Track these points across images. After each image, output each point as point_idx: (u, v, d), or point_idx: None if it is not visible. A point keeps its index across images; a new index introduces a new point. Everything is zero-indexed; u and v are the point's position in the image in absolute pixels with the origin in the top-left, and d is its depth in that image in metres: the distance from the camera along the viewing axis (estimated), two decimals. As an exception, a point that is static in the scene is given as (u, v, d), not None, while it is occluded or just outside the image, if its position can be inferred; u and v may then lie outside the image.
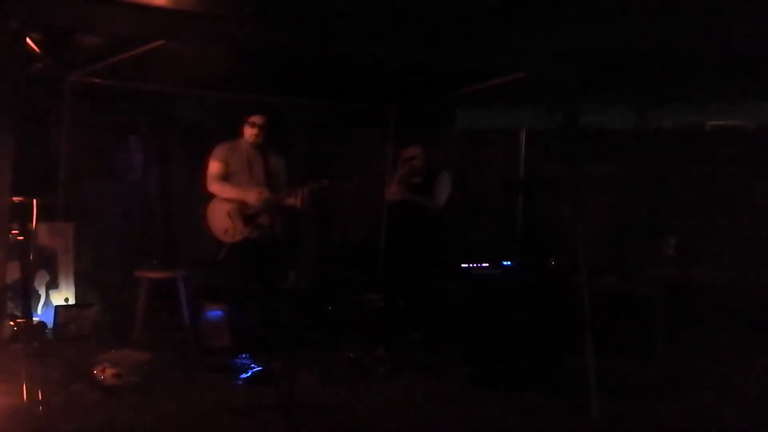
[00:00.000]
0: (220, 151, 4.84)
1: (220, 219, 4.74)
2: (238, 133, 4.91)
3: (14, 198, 3.18)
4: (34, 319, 3.67)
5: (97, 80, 5.37)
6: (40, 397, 3.29)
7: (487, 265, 5.56)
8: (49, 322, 4.98)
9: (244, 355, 4.67)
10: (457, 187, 5.60)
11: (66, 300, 5.26)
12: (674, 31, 3.97)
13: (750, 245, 6.65)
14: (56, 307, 5.11)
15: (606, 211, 7.24)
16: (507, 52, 4.14)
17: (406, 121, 6.87)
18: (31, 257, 3.51)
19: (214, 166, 4.80)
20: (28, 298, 3.53)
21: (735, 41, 4.16)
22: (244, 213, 4.71)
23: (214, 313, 5.19)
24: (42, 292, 5.20)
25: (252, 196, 4.69)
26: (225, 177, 4.80)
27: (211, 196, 4.83)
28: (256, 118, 4.77)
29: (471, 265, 5.50)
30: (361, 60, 4.73)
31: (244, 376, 4.44)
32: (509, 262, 5.71)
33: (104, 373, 4.21)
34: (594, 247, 4.33)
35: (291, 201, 4.70)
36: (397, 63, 4.76)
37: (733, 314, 5.97)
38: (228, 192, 4.74)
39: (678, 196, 7.03)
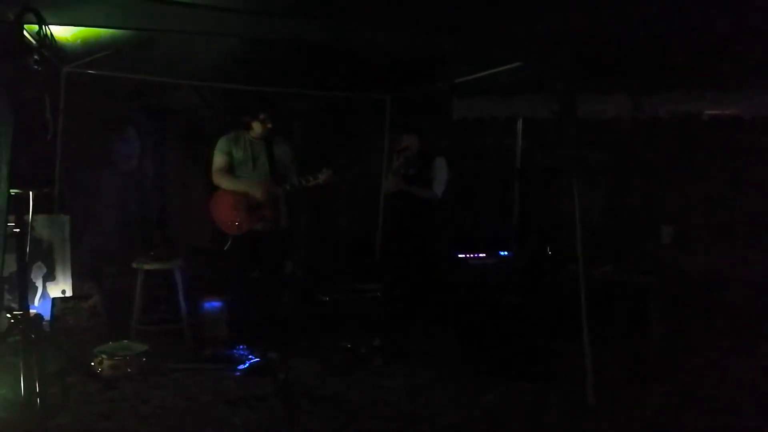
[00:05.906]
0: (223, 143, 4.80)
1: (224, 210, 4.72)
2: (239, 125, 4.87)
3: (10, 190, 3.18)
4: (31, 311, 3.67)
5: (92, 71, 5.34)
6: (37, 389, 3.29)
7: (484, 254, 5.57)
8: (46, 314, 4.98)
9: (241, 346, 4.69)
10: (453, 176, 5.58)
11: (63, 292, 5.26)
12: (671, 19, 3.96)
13: (746, 234, 6.66)
14: (53, 299, 5.11)
15: (603, 199, 7.25)
16: (503, 41, 4.13)
17: (402, 110, 6.86)
18: (28, 249, 3.50)
19: (218, 159, 4.78)
20: (24, 290, 3.53)
21: (732, 30, 4.16)
22: (249, 205, 4.69)
23: (212, 304, 5.21)
24: (39, 284, 5.20)
25: (258, 191, 4.68)
26: (230, 169, 4.78)
27: (214, 188, 4.81)
28: (266, 115, 4.74)
29: (468, 254, 5.51)
30: (355, 49, 4.71)
31: (241, 367, 4.45)
32: (506, 252, 5.72)
33: (102, 364, 4.24)
34: (591, 235, 4.33)
35: (312, 181, 4.66)
36: (393, 52, 4.75)
37: (730, 303, 5.99)
38: (233, 185, 4.73)
39: (675, 185, 7.04)
